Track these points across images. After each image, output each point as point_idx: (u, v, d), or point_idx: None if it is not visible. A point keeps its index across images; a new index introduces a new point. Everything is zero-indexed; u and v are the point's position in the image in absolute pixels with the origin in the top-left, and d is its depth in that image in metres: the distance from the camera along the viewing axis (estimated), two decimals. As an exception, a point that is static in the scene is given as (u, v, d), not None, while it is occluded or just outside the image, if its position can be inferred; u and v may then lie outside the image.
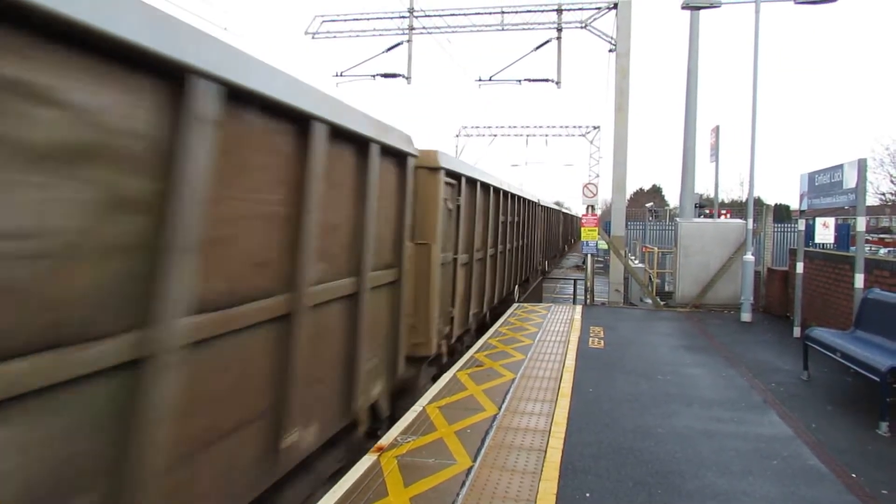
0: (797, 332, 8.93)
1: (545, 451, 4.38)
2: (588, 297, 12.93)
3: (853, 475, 4.12)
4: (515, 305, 11.95)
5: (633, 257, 17.76)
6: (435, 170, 6.33)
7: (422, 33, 17.00)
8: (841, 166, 8.13)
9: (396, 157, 4.96)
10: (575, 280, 15.37)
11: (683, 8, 11.40)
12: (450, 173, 6.86)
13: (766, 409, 5.54)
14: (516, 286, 13.29)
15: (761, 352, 8.05)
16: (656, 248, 16.04)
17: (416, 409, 5.27)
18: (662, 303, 12.64)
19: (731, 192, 54.34)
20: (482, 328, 9.57)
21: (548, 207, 22.96)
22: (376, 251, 4.52)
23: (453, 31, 16.93)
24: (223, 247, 2.74)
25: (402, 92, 26.09)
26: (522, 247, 13.89)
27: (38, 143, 1.83)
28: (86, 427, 2.07)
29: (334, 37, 17.69)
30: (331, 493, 3.65)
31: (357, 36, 17.53)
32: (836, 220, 14.81)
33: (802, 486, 3.91)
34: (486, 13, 16.58)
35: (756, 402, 5.78)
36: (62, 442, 1.99)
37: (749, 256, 10.84)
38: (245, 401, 3.00)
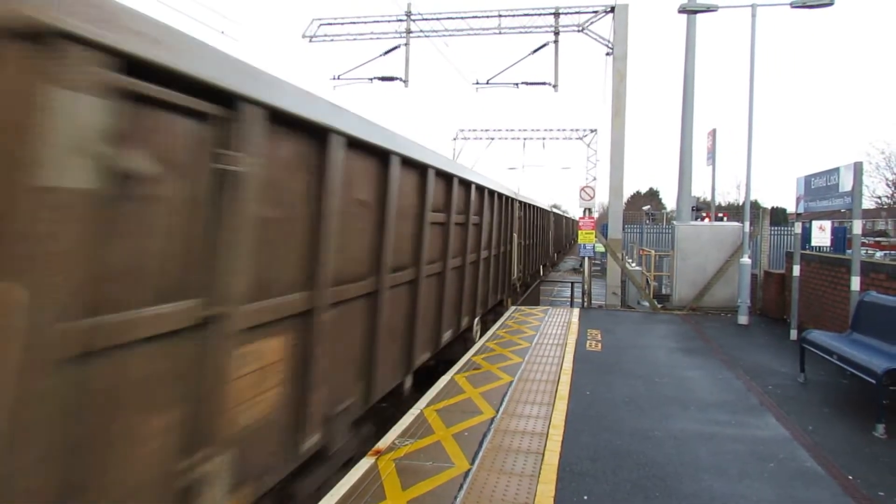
0: (794, 334, 8.95)
1: (543, 454, 4.39)
2: (585, 299, 12.95)
3: (850, 477, 4.13)
4: (513, 308, 11.96)
5: (630, 260, 17.78)
6: (515, 199, 12.42)
7: (419, 37, 17.02)
8: (837, 169, 8.15)
9: (511, 199, 11.72)
10: (572, 283, 15.39)
11: (680, 12, 11.45)
12: (522, 201, 14.14)
13: (762, 412, 5.55)
14: (541, 266, 20.86)
15: (758, 354, 8.07)
16: (653, 251, 16.04)
17: (414, 412, 5.27)
18: (659, 306, 12.66)
19: (728, 195, 54.48)
20: (525, 289, 16.35)
21: (556, 214, 30.19)
22: (503, 237, 11.15)
23: (451, 35, 16.95)
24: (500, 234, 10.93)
25: (400, 95, 26.20)
26: (542, 241, 20.51)
27: None
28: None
29: (332, 40, 17.69)
30: (329, 496, 3.64)
31: (354, 39, 17.53)
32: (832, 223, 14.86)
33: (799, 489, 3.92)
34: (483, 17, 16.61)
35: (753, 404, 5.79)
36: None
37: (746, 259, 10.87)
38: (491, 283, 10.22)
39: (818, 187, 8.80)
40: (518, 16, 16.30)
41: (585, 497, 3.74)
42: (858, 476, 4.15)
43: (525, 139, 36.21)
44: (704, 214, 20.63)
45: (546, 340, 8.67)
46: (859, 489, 3.95)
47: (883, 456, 4.56)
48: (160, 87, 2.23)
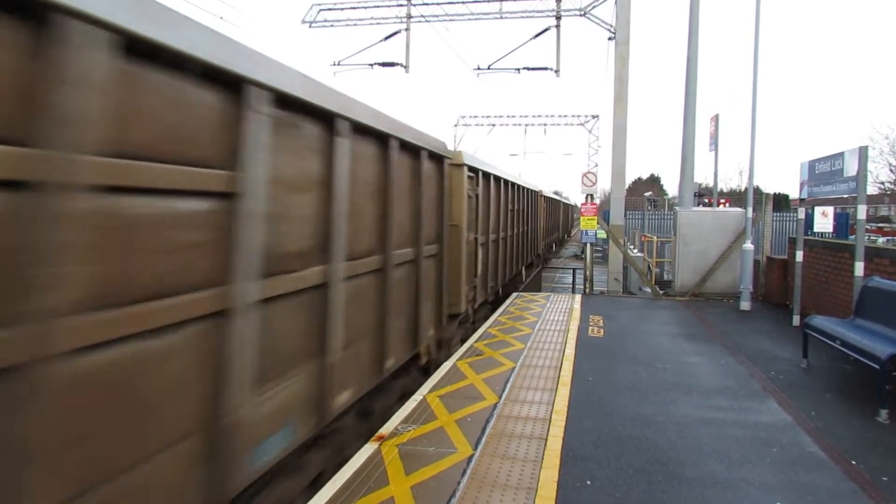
0: (796, 320, 8.94)
1: (546, 440, 4.40)
2: (587, 286, 12.94)
3: (853, 462, 4.14)
4: (515, 295, 11.95)
5: (631, 246, 17.75)
6: (540, 193, 18.66)
7: (420, 22, 16.86)
8: (841, 154, 8.10)
9: (536, 193, 18.22)
10: (574, 269, 15.39)
11: (684, -5, 11.30)
12: (545, 195, 21.72)
13: (765, 397, 5.55)
14: (553, 241, 27.94)
15: (760, 340, 8.07)
16: (655, 238, 16.03)
17: (417, 398, 5.28)
18: (661, 292, 12.65)
19: (730, 181, 54.16)
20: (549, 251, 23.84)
21: (565, 202, 36.89)
22: (532, 218, 16.71)
23: (451, 20, 16.79)
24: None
25: (401, 81, 26.17)
26: (555, 223, 28.36)
27: None
28: None
29: (331, 25, 17.55)
30: (331, 482, 3.65)
31: (354, 25, 17.39)
32: (835, 209, 14.80)
33: (802, 473, 3.93)
34: (484, 1, 16.45)
35: (755, 390, 5.80)
36: None
37: (748, 245, 10.83)
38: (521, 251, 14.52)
39: (822, 172, 8.75)
40: (519, 0, 16.14)
41: (589, 482, 3.75)
42: (861, 461, 4.16)
43: (526, 125, 36.16)
44: (707, 200, 20.56)
45: (548, 326, 8.67)
46: (862, 474, 3.95)
47: (885, 441, 4.56)
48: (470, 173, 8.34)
